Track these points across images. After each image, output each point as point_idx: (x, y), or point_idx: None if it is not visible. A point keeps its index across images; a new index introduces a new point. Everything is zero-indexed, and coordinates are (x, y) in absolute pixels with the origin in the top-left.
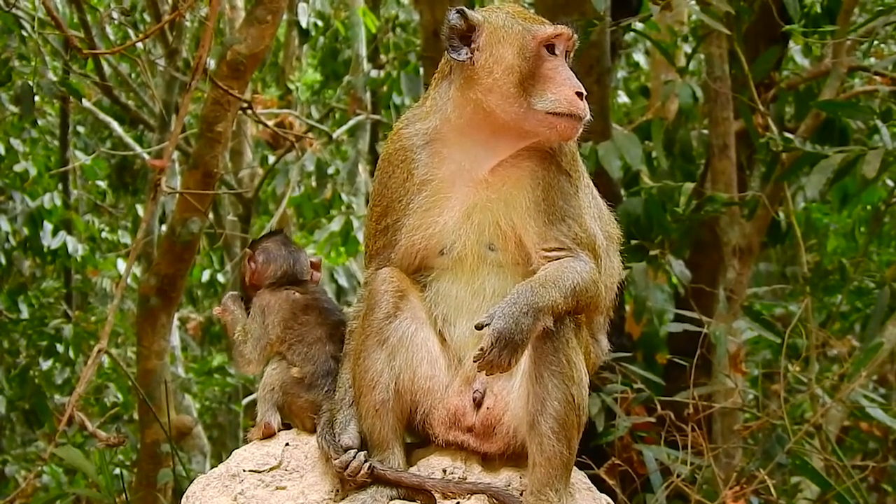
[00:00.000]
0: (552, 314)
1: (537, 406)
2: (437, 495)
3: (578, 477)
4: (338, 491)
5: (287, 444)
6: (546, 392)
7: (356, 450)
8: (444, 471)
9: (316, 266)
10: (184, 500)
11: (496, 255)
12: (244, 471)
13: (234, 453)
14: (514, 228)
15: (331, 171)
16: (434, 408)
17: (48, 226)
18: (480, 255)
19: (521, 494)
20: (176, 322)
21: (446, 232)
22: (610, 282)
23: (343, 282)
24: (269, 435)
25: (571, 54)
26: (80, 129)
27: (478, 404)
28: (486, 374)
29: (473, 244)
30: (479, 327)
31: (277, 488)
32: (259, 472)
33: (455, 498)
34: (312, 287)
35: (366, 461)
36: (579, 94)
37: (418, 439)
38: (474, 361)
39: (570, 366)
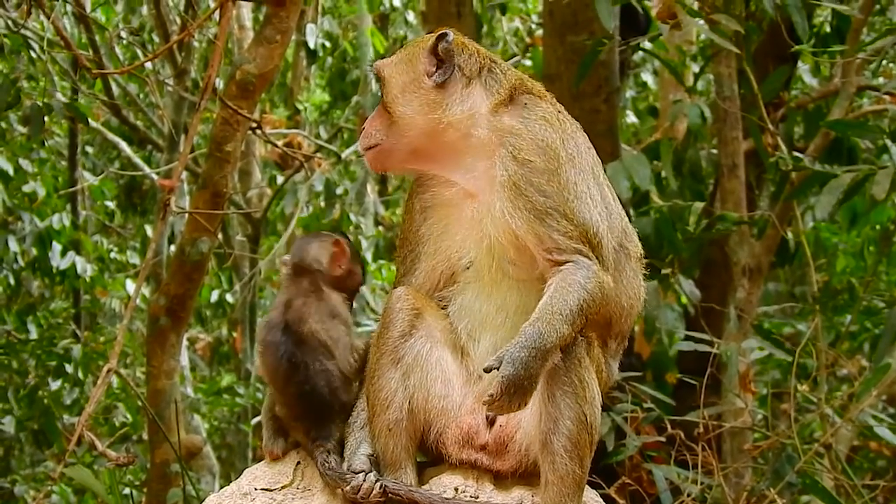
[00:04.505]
0: (561, 348)
1: (550, 425)
2: None
3: (590, 496)
4: None
5: (298, 463)
6: (559, 411)
7: (366, 472)
8: (456, 489)
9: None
10: None
11: (516, 270)
12: (256, 489)
13: (245, 472)
14: (515, 237)
15: (339, 191)
16: (447, 427)
17: (57, 246)
18: (501, 271)
19: None
20: (185, 342)
21: (463, 252)
22: (627, 301)
23: None
24: (274, 459)
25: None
26: (89, 149)
27: (490, 423)
28: (498, 415)
29: (490, 260)
30: (487, 370)
31: None
32: (270, 490)
33: None
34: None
35: (377, 481)
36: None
37: (430, 458)
38: (483, 405)
39: (582, 385)
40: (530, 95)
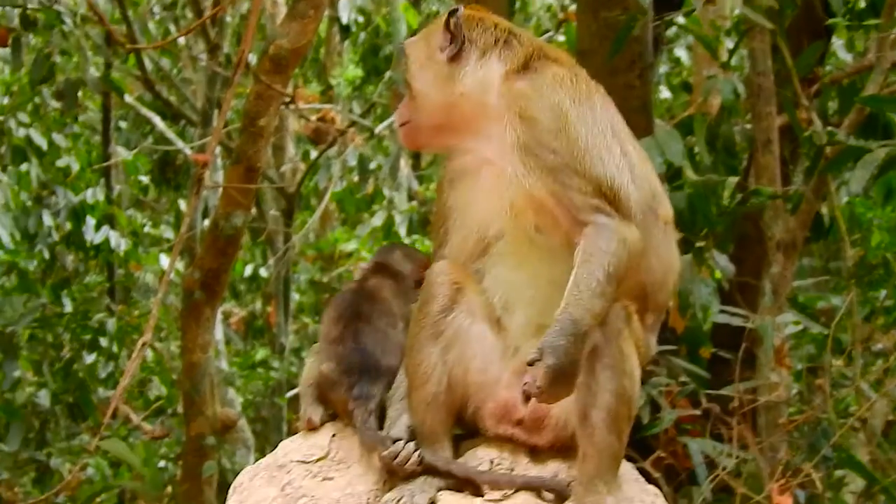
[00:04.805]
0: (599, 323)
1: (589, 398)
2: (485, 487)
3: (627, 468)
4: (385, 482)
5: (334, 435)
6: (598, 384)
7: (405, 440)
8: (492, 462)
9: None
10: (231, 490)
11: (543, 238)
12: (291, 461)
13: (281, 444)
14: (532, 199)
15: (373, 166)
16: (485, 401)
17: (91, 220)
18: (528, 239)
19: (569, 485)
20: (219, 316)
21: (489, 221)
22: (658, 263)
23: None
24: (311, 429)
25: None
26: (122, 124)
27: (527, 398)
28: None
29: (515, 229)
30: (530, 363)
31: (325, 479)
32: (306, 462)
33: (504, 489)
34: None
35: (416, 450)
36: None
37: (467, 431)
38: (532, 396)
39: (622, 358)
40: (544, 60)
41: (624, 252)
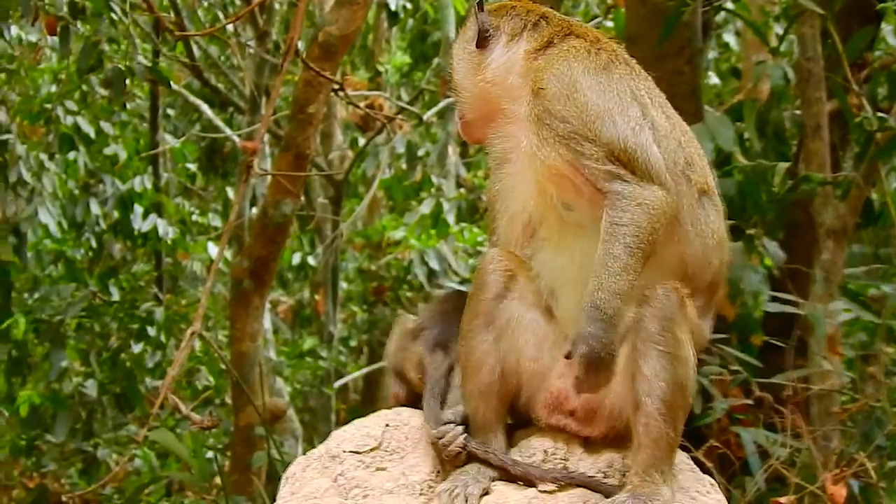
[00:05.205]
0: (627, 302)
1: (644, 387)
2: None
3: (681, 458)
4: (439, 472)
5: (387, 425)
6: (653, 372)
7: (456, 424)
8: (546, 452)
9: None
10: (283, 481)
11: (574, 215)
12: (344, 451)
13: (332, 434)
14: (550, 171)
15: (421, 153)
16: (537, 391)
17: (138, 209)
18: (560, 219)
19: (625, 475)
20: (268, 305)
21: (526, 204)
22: (695, 230)
23: (434, 265)
24: (398, 402)
25: None
26: (170, 111)
27: (579, 387)
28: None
29: (546, 208)
30: (568, 357)
31: (378, 469)
32: (359, 452)
33: (556, 484)
34: None
35: (463, 434)
36: None
37: (519, 421)
38: (574, 389)
39: (677, 345)
40: (566, 36)
41: (643, 217)
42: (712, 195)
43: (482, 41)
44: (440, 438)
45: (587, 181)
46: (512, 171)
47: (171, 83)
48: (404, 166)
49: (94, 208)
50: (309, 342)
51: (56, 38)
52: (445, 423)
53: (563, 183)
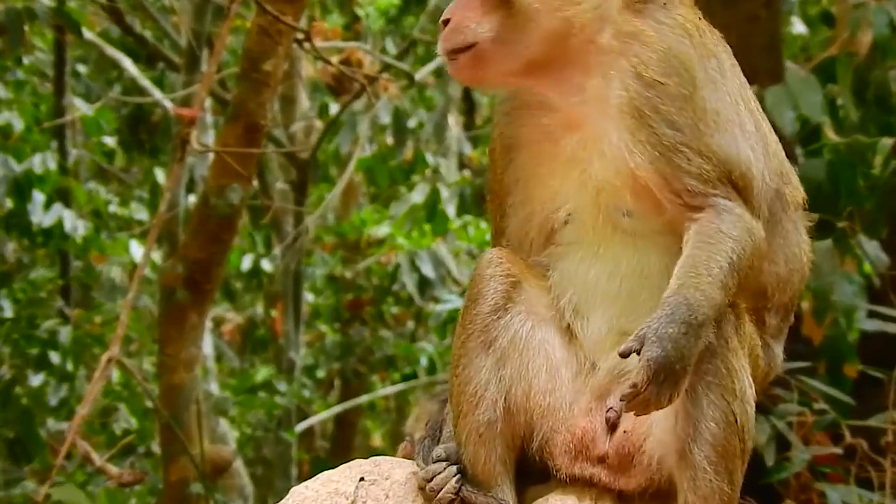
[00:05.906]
0: (715, 321)
1: (689, 429)
2: None
3: None
4: None
5: (362, 479)
6: (700, 411)
7: (448, 462)
8: None
9: None
10: None
11: (633, 223)
12: None
13: (292, 491)
14: (633, 179)
15: (412, 123)
16: (555, 432)
17: (39, 196)
18: (612, 224)
19: None
20: (209, 324)
21: (560, 201)
22: (784, 261)
23: (428, 271)
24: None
25: None
26: (81, 68)
27: (612, 427)
28: (638, 415)
29: (597, 212)
30: (624, 355)
31: None
32: None
33: None
34: None
35: (457, 475)
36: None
37: (532, 471)
38: (622, 401)
39: (730, 375)
40: None
41: (749, 242)
42: (800, 206)
43: None
44: (428, 481)
45: (676, 196)
46: (548, 155)
47: (83, 30)
48: (390, 141)
49: None
50: (263, 372)
51: None
52: (435, 462)
53: (641, 191)
